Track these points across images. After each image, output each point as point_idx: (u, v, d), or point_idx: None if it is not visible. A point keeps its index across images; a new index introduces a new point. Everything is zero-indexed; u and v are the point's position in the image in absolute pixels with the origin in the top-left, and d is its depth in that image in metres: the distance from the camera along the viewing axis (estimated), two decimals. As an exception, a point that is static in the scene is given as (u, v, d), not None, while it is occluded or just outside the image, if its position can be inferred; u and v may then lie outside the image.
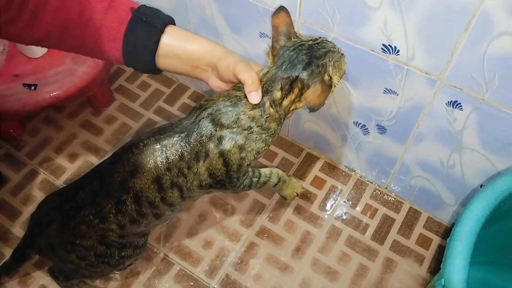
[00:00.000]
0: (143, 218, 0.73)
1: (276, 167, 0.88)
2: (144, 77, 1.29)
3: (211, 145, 0.67)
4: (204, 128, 0.67)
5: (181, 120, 0.71)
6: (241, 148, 0.68)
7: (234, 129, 0.67)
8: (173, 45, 0.67)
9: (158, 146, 0.68)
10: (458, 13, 0.63)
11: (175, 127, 0.70)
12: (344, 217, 1.05)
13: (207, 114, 0.68)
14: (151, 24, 0.65)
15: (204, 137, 0.67)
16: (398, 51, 0.74)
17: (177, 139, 0.68)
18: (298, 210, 1.06)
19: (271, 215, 1.05)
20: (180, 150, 0.68)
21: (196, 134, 0.67)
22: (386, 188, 1.08)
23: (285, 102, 0.67)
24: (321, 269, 0.98)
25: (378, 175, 1.06)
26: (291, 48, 0.66)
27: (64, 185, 1.08)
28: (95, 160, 1.13)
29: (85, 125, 1.20)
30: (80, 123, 1.20)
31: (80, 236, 0.74)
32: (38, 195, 1.07)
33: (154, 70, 0.70)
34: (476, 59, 0.67)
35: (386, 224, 1.04)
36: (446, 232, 1.03)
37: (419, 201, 1.05)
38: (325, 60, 0.65)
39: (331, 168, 1.12)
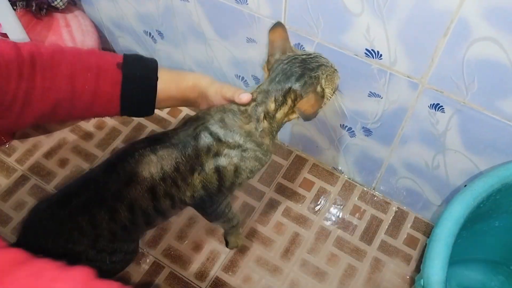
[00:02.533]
0: (135, 225, 0.74)
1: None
2: (134, 81, 1.29)
3: (208, 160, 0.68)
4: (201, 142, 0.68)
5: (177, 131, 0.71)
6: (236, 166, 0.69)
7: (231, 145, 0.68)
8: (167, 89, 0.70)
9: (153, 157, 0.68)
10: (437, 19, 0.65)
11: (171, 138, 0.70)
12: (333, 218, 1.06)
13: (204, 128, 0.68)
14: (144, 79, 0.68)
15: (200, 151, 0.68)
16: (381, 55, 0.76)
17: (173, 150, 0.68)
18: (287, 212, 1.07)
19: (260, 217, 1.06)
20: (175, 161, 0.68)
21: (193, 147, 0.68)
22: (373, 189, 1.10)
23: (279, 115, 0.68)
24: (310, 270, 0.99)
25: (366, 177, 1.08)
26: (285, 61, 0.68)
27: (55, 191, 1.09)
28: (85, 165, 1.13)
29: (74, 130, 1.20)
30: (70, 128, 1.20)
31: (72, 241, 0.75)
32: (29, 201, 1.08)
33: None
34: (455, 63, 0.69)
35: (374, 224, 1.05)
36: (433, 232, 1.05)
37: (406, 202, 1.07)
38: (318, 73, 0.67)
39: (319, 170, 1.13)
